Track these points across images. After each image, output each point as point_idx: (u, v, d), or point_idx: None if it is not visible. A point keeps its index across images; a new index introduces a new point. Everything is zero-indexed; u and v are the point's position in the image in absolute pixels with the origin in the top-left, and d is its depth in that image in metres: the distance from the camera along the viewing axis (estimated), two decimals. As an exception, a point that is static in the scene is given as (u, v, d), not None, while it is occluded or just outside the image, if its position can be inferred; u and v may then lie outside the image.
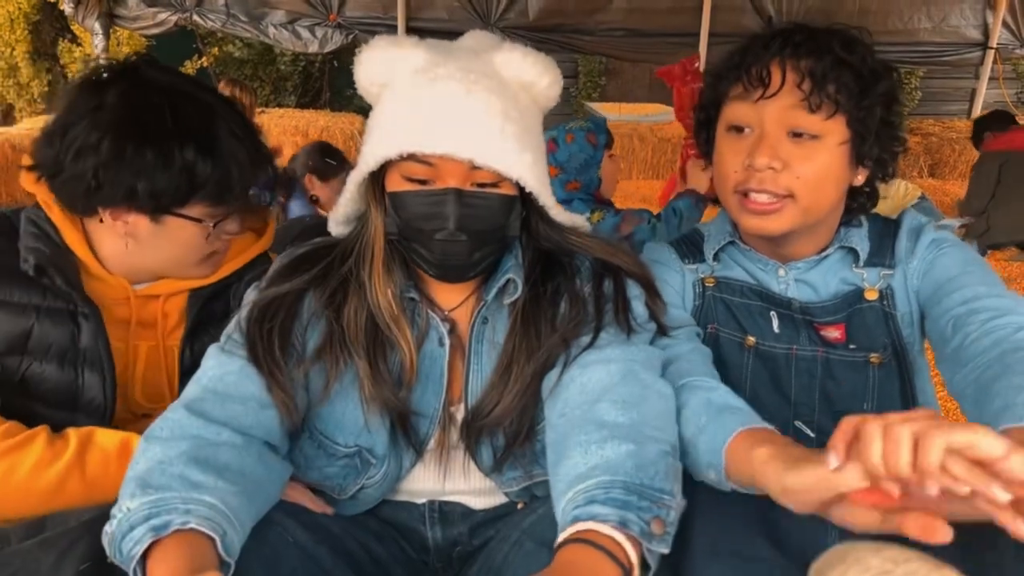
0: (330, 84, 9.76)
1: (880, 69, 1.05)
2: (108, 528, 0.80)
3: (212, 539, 0.78)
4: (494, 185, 0.96)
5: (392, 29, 6.08)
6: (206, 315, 1.26)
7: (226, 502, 0.82)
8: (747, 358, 1.14)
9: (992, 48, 6.65)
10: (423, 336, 1.04)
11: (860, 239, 1.14)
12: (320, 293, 1.02)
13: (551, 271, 1.05)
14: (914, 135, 7.25)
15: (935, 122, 7.66)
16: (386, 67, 0.99)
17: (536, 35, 6.34)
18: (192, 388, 0.97)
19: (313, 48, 6.04)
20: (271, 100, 8.77)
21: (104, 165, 1.06)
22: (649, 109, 8.43)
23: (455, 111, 0.92)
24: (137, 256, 1.17)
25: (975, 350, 0.92)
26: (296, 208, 3.26)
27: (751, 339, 1.14)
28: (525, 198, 1.02)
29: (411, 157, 0.93)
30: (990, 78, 6.95)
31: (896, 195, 4.83)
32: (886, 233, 1.16)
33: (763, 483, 0.78)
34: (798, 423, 1.12)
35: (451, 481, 1.08)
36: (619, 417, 0.89)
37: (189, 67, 8.35)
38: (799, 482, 0.71)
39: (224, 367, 0.97)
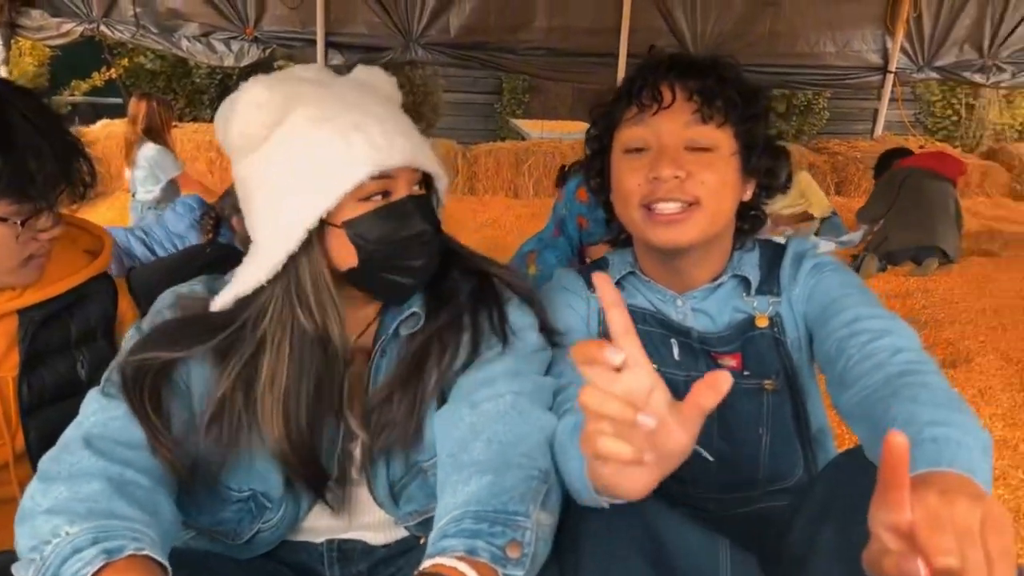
0: (249, 98, 9.54)
1: (755, 90, 1.12)
2: (40, 554, 0.76)
3: (165, 568, 0.77)
4: (424, 185, 1.01)
5: (311, 44, 6.02)
6: (42, 345, 1.18)
7: (155, 539, 0.80)
8: None
9: (891, 72, 7.04)
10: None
11: (752, 267, 1.18)
12: (222, 367, 0.96)
13: (445, 294, 1.05)
14: (821, 154, 7.56)
15: (841, 142, 8.01)
16: (278, 108, 0.93)
17: (458, 52, 6.38)
18: (75, 431, 0.91)
19: (229, 62, 5.92)
20: (186, 114, 8.48)
21: None
22: (571, 127, 8.53)
23: (390, 123, 0.95)
24: None
25: (858, 372, 0.96)
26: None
27: (652, 366, 1.15)
28: None
29: (372, 177, 0.92)
30: (890, 99, 7.33)
31: (818, 194, 5.19)
32: (775, 261, 1.20)
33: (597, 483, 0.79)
34: (697, 448, 1.13)
35: (350, 518, 1.05)
36: (489, 452, 0.90)
37: (97, 79, 8.05)
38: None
39: (108, 412, 0.92)
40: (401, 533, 1.07)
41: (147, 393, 0.92)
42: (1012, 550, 0.59)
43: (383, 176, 0.93)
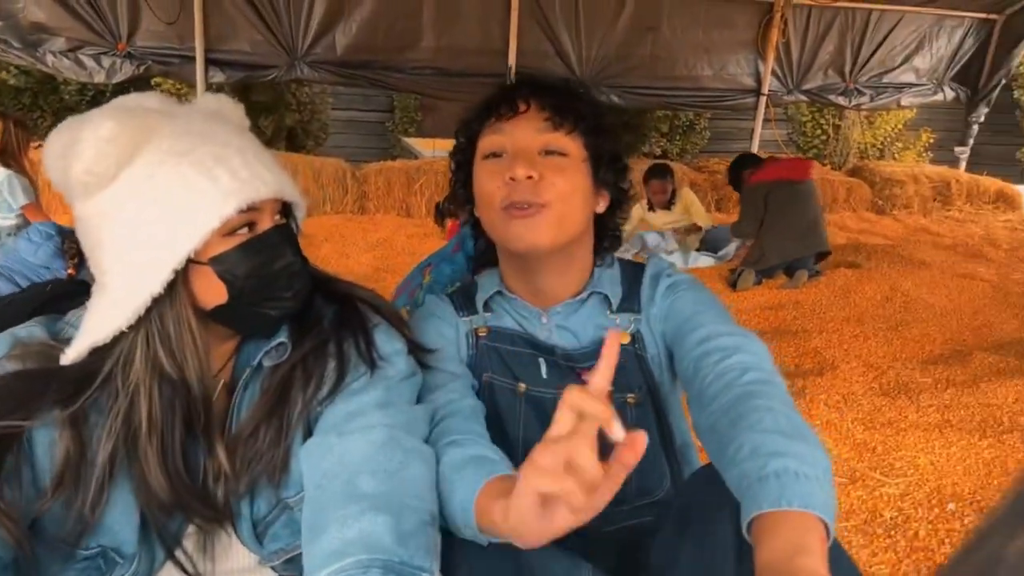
0: (125, 115, 9.07)
1: (603, 108, 1.21)
2: None
3: None
4: (286, 216, 0.99)
5: (190, 60, 5.80)
6: None
7: None
8: (519, 404, 1.18)
9: (764, 94, 7.44)
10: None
11: (612, 284, 1.22)
12: (88, 427, 0.91)
13: (306, 324, 1.03)
14: (702, 172, 7.91)
15: (720, 160, 8.41)
16: (130, 142, 0.87)
17: (345, 71, 6.30)
18: None
19: (99, 78, 5.62)
20: (54, 132, 8.01)
21: None
22: (463, 145, 8.57)
23: (250, 154, 0.92)
24: None
25: (711, 393, 1.00)
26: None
27: (522, 385, 1.18)
28: None
29: (239, 211, 0.89)
30: (765, 120, 7.76)
31: (700, 208, 5.55)
32: (635, 279, 1.24)
33: (502, 534, 0.80)
34: (568, 467, 1.16)
35: (213, 564, 1.01)
36: (379, 487, 0.88)
37: (-47, 94, 7.50)
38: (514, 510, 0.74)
39: None
40: (269, 574, 1.04)
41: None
42: None
43: (250, 209, 0.90)
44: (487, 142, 1.16)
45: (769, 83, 7.44)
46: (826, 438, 2.43)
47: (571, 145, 1.13)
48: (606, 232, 1.24)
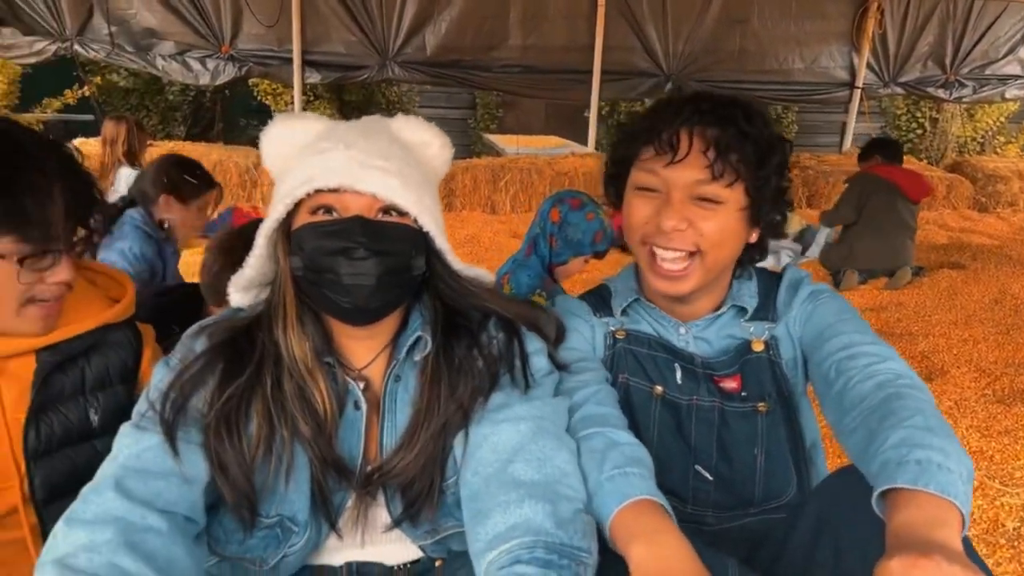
0: (223, 115, 9.49)
1: (776, 140, 1.14)
2: None
3: None
4: (398, 217, 1.01)
5: (287, 62, 6.02)
6: (55, 390, 1.15)
7: None
8: (655, 406, 1.20)
9: (859, 88, 7.22)
10: (342, 402, 1.05)
11: (750, 296, 1.23)
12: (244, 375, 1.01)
13: (456, 329, 1.08)
14: (792, 168, 7.69)
15: (811, 156, 8.17)
16: (292, 139, 1.05)
17: (434, 70, 6.43)
18: (110, 467, 0.93)
19: (204, 80, 5.90)
20: (159, 131, 8.40)
21: None
22: (547, 142, 8.59)
23: (361, 152, 0.99)
24: None
25: (859, 392, 1.00)
26: (126, 247, 2.55)
27: (659, 389, 1.21)
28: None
29: (317, 193, 0.97)
30: (859, 113, 7.51)
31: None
32: (771, 288, 1.25)
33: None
34: (698, 467, 1.18)
35: (369, 539, 1.08)
36: (534, 475, 0.93)
37: (69, 96, 7.95)
38: None
39: (141, 444, 0.94)
40: (416, 554, 1.10)
41: (226, 430, 0.97)
42: None
43: (333, 193, 0.97)
44: (642, 177, 1.15)
45: (864, 76, 7.22)
46: (938, 445, 2.36)
47: (729, 195, 1.10)
48: (751, 251, 1.22)
